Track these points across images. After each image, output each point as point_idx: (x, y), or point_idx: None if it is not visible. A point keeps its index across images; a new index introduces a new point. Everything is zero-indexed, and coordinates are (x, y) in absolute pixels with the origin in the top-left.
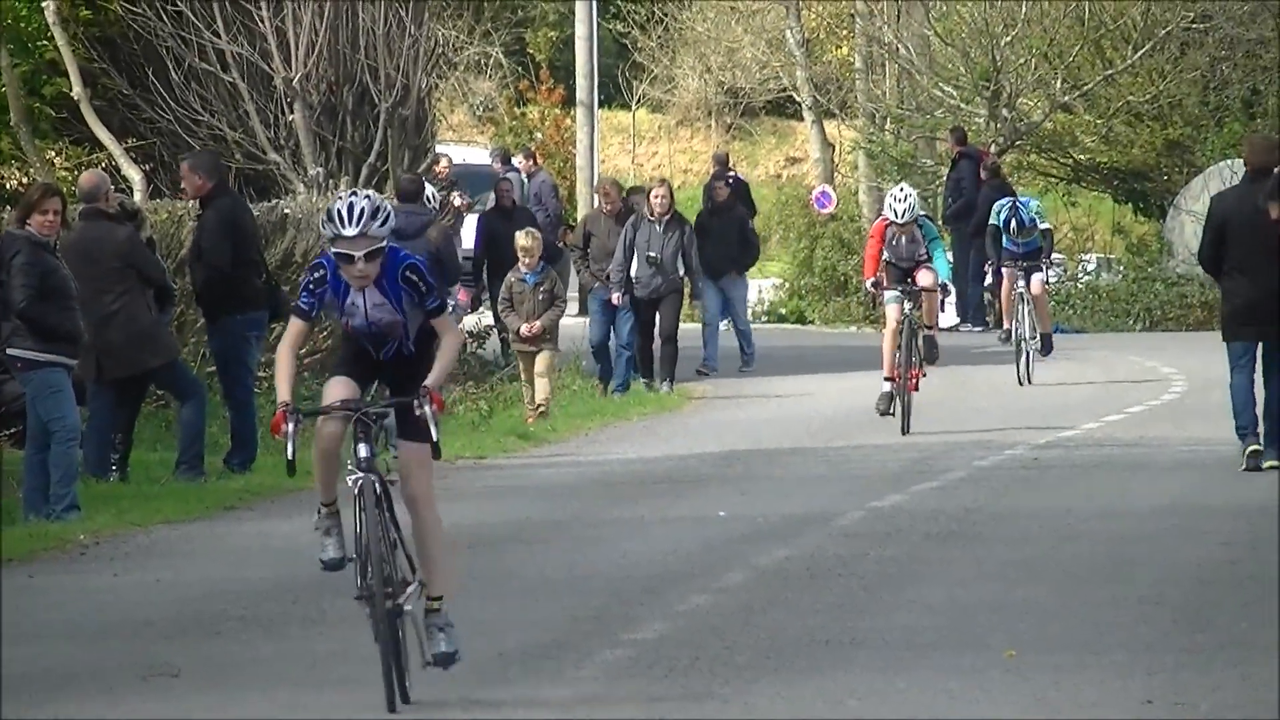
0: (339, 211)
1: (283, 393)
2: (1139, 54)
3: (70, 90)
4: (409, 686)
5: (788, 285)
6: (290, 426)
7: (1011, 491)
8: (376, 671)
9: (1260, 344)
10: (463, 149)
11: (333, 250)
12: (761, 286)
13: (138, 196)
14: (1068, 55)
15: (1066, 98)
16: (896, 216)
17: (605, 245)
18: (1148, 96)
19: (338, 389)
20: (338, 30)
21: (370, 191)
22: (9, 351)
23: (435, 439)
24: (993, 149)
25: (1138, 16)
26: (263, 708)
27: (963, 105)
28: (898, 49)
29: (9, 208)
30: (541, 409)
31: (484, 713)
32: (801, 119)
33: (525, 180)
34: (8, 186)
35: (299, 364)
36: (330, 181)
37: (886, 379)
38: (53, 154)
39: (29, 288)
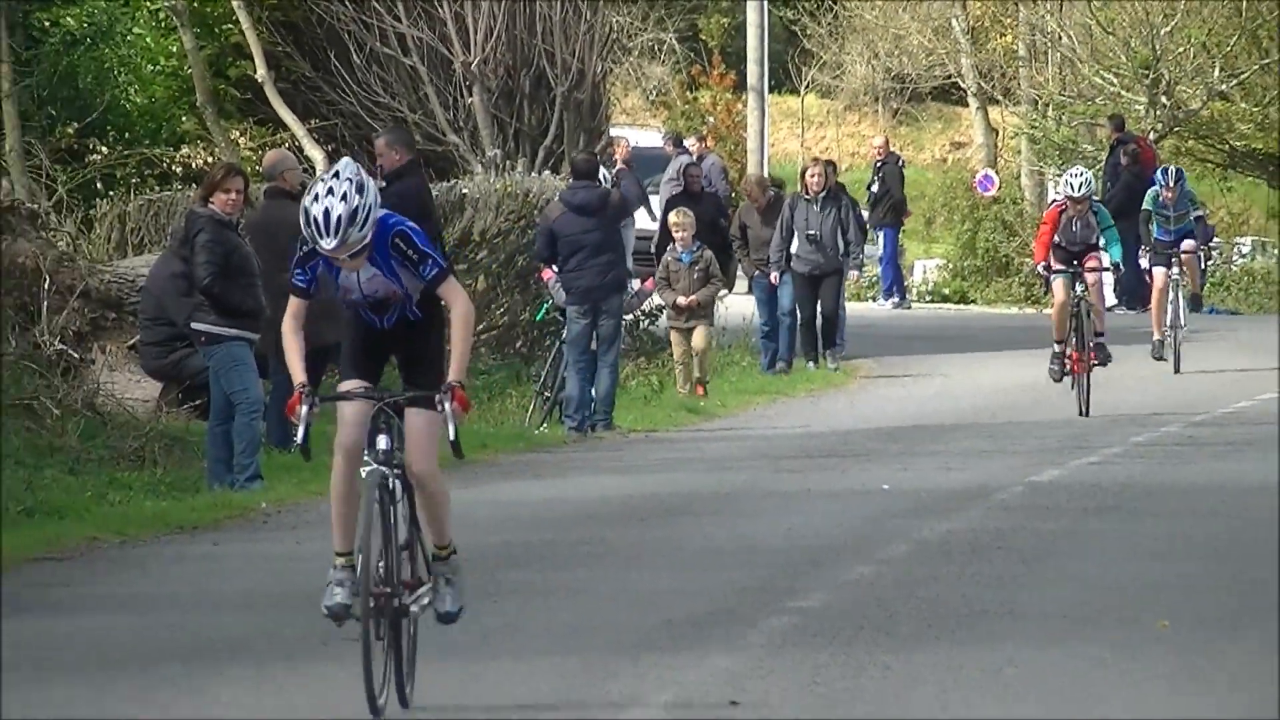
0: (316, 220)
1: (297, 373)
2: None
3: (255, 73)
4: (409, 692)
5: (951, 266)
6: (305, 409)
7: (1166, 468)
8: (548, 647)
9: None
10: (636, 132)
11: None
12: (925, 267)
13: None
14: (1225, 45)
15: (1224, 86)
16: (1073, 190)
17: (760, 236)
18: None
19: (351, 428)
20: (515, 16)
21: (350, 177)
22: (193, 326)
23: (454, 439)
24: (1151, 136)
25: None
26: (432, 679)
27: (1123, 93)
28: (1060, 37)
29: (194, 186)
30: (700, 382)
31: (655, 674)
32: (966, 105)
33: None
34: (194, 166)
35: (476, 340)
36: (508, 163)
37: (1057, 341)
38: (237, 134)
39: (212, 264)
